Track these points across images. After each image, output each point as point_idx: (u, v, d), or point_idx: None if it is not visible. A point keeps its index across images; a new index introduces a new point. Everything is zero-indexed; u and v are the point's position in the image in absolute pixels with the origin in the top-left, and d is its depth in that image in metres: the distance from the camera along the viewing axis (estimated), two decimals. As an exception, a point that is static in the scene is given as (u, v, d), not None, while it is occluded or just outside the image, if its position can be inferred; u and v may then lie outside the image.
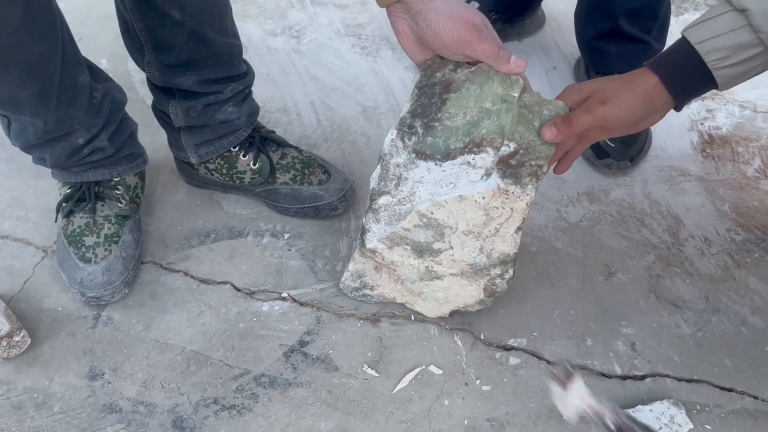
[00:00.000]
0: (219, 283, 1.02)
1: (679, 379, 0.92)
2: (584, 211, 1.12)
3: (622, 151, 1.17)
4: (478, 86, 0.77)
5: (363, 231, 0.86)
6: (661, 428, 0.86)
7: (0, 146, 1.19)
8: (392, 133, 0.81)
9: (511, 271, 0.87)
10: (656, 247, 1.07)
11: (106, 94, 0.95)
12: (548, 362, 0.93)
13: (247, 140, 1.07)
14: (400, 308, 0.98)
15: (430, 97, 0.80)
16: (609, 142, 1.17)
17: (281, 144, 1.10)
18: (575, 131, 0.74)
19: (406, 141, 0.80)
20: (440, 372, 0.92)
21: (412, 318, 0.98)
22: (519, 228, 0.80)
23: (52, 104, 0.86)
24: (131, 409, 0.88)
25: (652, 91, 0.71)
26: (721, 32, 0.66)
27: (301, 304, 0.99)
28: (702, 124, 1.27)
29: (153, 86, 1.01)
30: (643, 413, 0.87)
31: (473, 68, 0.79)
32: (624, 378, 0.92)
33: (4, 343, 0.90)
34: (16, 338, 0.91)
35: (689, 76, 0.70)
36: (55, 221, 1.02)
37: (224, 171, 1.08)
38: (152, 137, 1.19)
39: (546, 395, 0.90)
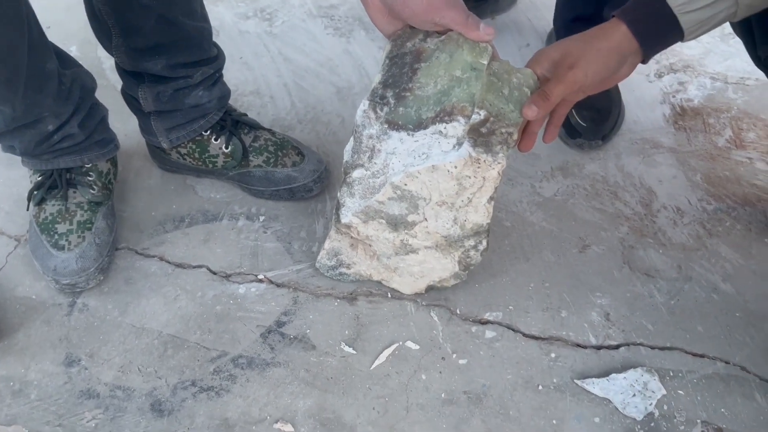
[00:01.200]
0: (194, 267, 1.02)
1: (652, 347, 0.93)
2: (558, 186, 1.13)
3: (594, 130, 1.18)
4: (448, 55, 0.77)
5: (338, 206, 0.86)
6: (634, 395, 0.88)
7: (-31, 136, 1.18)
8: (364, 104, 0.80)
9: (484, 243, 0.88)
10: (629, 219, 1.08)
11: (75, 80, 0.94)
12: (524, 335, 0.94)
13: (218, 124, 1.06)
14: (377, 286, 0.99)
15: (401, 67, 0.80)
16: (581, 122, 1.17)
17: (254, 126, 1.10)
18: (554, 103, 0.75)
19: (378, 111, 0.80)
20: (417, 347, 0.93)
21: (389, 296, 0.98)
22: (491, 198, 0.80)
23: (20, 91, 0.85)
24: (109, 394, 0.88)
25: (620, 41, 0.72)
26: None
27: (278, 285, 0.99)
28: (674, 96, 1.28)
29: (122, 71, 1.00)
30: (617, 381, 0.89)
31: (443, 37, 0.79)
32: (599, 348, 0.93)
33: (-25, 335, 0.90)
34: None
35: (656, 23, 0.71)
36: (27, 210, 1.02)
37: (196, 155, 1.08)
38: (124, 124, 1.18)
39: (522, 367, 0.91)
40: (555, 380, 0.90)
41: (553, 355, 0.92)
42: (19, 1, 0.82)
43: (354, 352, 0.92)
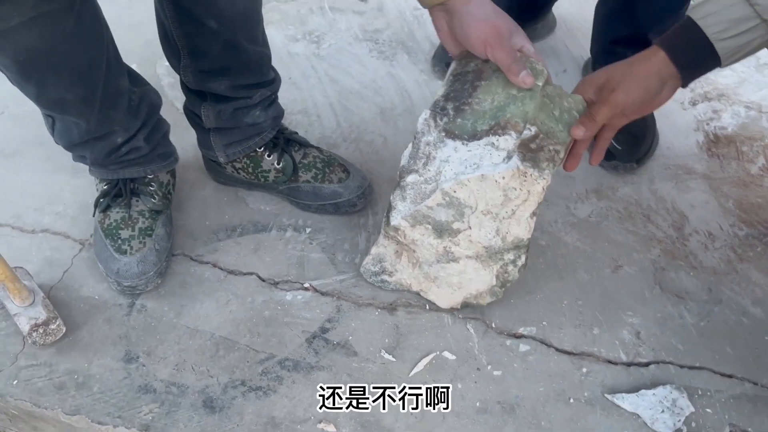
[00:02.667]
0: (245, 274, 1.08)
1: (681, 366, 0.97)
2: (592, 207, 1.17)
3: (629, 153, 1.22)
4: (505, 76, 0.83)
5: (389, 209, 0.92)
6: (663, 411, 0.91)
7: (39, 146, 1.27)
8: (426, 113, 0.87)
9: (523, 258, 0.93)
10: (661, 242, 1.12)
11: (143, 98, 1.02)
12: (556, 349, 0.98)
13: (271, 141, 1.13)
14: (416, 298, 1.04)
15: (463, 84, 0.87)
16: (616, 145, 1.21)
17: (303, 144, 1.16)
18: (600, 124, 0.82)
19: (438, 121, 0.86)
20: (453, 357, 0.97)
21: (427, 307, 1.03)
22: (534, 213, 0.86)
23: (96, 106, 0.93)
24: (164, 390, 0.95)
25: (659, 66, 0.78)
26: (720, 8, 0.73)
27: (323, 293, 1.05)
28: (708, 124, 1.31)
29: (186, 89, 1.07)
30: (647, 397, 0.92)
31: None
32: (629, 365, 0.97)
33: (41, 331, 0.97)
34: (52, 326, 0.97)
35: (693, 50, 0.76)
36: (93, 215, 1.09)
37: (250, 170, 1.15)
38: (181, 138, 1.25)
39: (554, 380, 0.95)
40: (586, 394, 0.94)
41: (584, 369, 0.96)
42: (100, 24, 0.90)
43: (393, 359, 0.97)
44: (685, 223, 1.14)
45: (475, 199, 0.84)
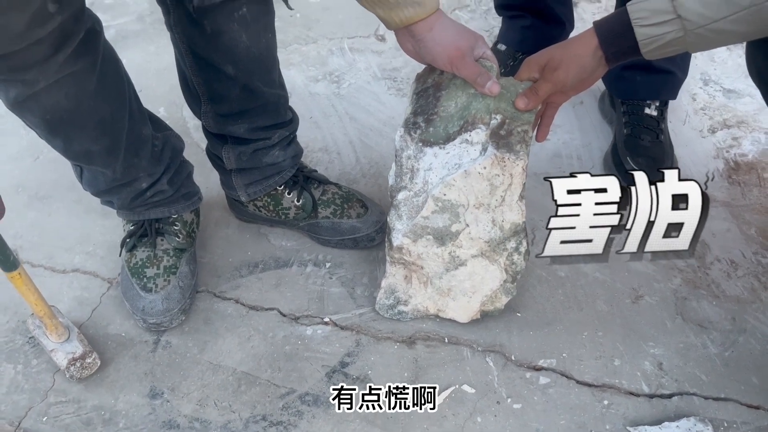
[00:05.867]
0: (267, 309, 1.10)
1: (706, 398, 0.95)
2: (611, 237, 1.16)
3: (649, 177, 1.21)
4: (461, 80, 0.90)
5: (388, 232, 0.96)
6: (688, 444, 0.89)
7: (70, 189, 1.32)
8: (400, 131, 0.93)
9: (524, 243, 0.95)
10: (682, 271, 1.11)
11: (166, 143, 1.06)
12: (577, 381, 0.98)
13: (291, 179, 1.16)
14: (435, 331, 1.05)
15: (426, 98, 0.93)
16: (636, 168, 1.21)
17: (322, 181, 1.19)
18: (542, 98, 0.89)
19: (413, 134, 0.92)
20: (473, 391, 0.97)
21: (446, 341, 1.04)
22: (521, 196, 0.90)
23: (120, 156, 0.98)
24: (188, 425, 0.96)
25: (595, 47, 0.84)
26: None
27: (342, 328, 1.07)
28: (728, 151, 1.31)
29: (208, 133, 1.12)
30: (670, 430, 0.91)
31: None
32: (651, 396, 0.96)
33: (78, 364, 1.00)
34: (88, 360, 1.01)
35: (619, 30, 0.82)
36: (120, 255, 1.13)
37: (271, 207, 1.18)
38: (206, 178, 1.29)
39: (575, 413, 0.94)
40: (608, 427, 0.92)
41: (605, 402, 0.95)
42: (122, 79, 0.95)
43: (413, 393, 0.98)
44: (706, 251, 1.13)
45: (465, 196, 0.89)
